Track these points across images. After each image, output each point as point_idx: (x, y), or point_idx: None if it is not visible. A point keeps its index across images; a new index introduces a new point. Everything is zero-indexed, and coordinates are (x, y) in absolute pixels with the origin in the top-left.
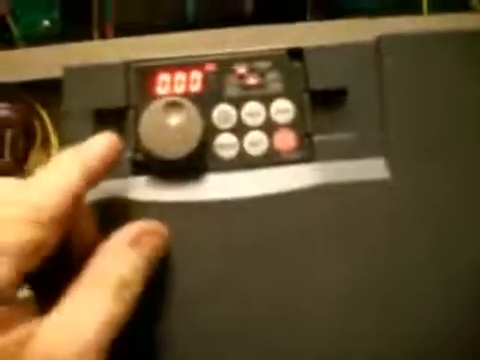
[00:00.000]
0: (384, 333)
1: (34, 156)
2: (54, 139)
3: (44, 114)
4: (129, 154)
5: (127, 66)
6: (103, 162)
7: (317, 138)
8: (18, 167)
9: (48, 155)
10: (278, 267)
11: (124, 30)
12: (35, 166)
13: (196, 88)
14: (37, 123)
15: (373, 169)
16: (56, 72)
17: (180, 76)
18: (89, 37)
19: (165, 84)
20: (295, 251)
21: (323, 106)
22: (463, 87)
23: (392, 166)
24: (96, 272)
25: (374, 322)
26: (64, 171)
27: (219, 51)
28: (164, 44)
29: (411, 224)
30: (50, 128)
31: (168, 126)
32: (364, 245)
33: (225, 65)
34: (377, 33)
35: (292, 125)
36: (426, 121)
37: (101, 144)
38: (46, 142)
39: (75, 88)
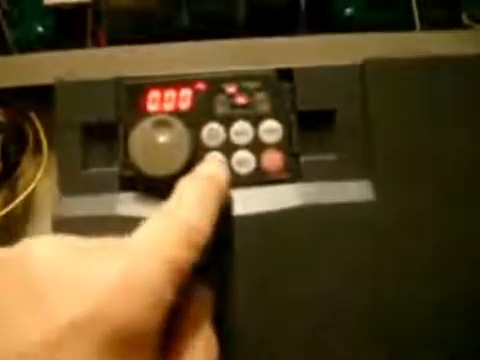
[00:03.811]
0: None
1: (25, 161)
2: (45, 145)
3: (36, 119)
4: (117, 170)
5: (118, 82)
6: None
7: (304, 159)
8: (8, 172)
9: (39, 161)
10: (262, 285)
11: (117, 39)
12: (26, 171)
13: (186, 106)
14: (28, 128)
15: (358, 191)
16: (49, 79)
17: (170, 93)
18: (82, 45)
19: (155, 101)
20: (279, 270)
21: (310, 127)
22: (447, 109)
23: (377, 188)
24: None
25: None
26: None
27: (209, 70)
28: (156, 54)
29: (395, 247)
30: (42, 134)
31: (157, 144)
32: (347, 266)
33: (215, 84)
34: (368, 50)
35: (279, 145)
36: (411, 144)
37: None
38: (37, 147)
39: (66, 101)
